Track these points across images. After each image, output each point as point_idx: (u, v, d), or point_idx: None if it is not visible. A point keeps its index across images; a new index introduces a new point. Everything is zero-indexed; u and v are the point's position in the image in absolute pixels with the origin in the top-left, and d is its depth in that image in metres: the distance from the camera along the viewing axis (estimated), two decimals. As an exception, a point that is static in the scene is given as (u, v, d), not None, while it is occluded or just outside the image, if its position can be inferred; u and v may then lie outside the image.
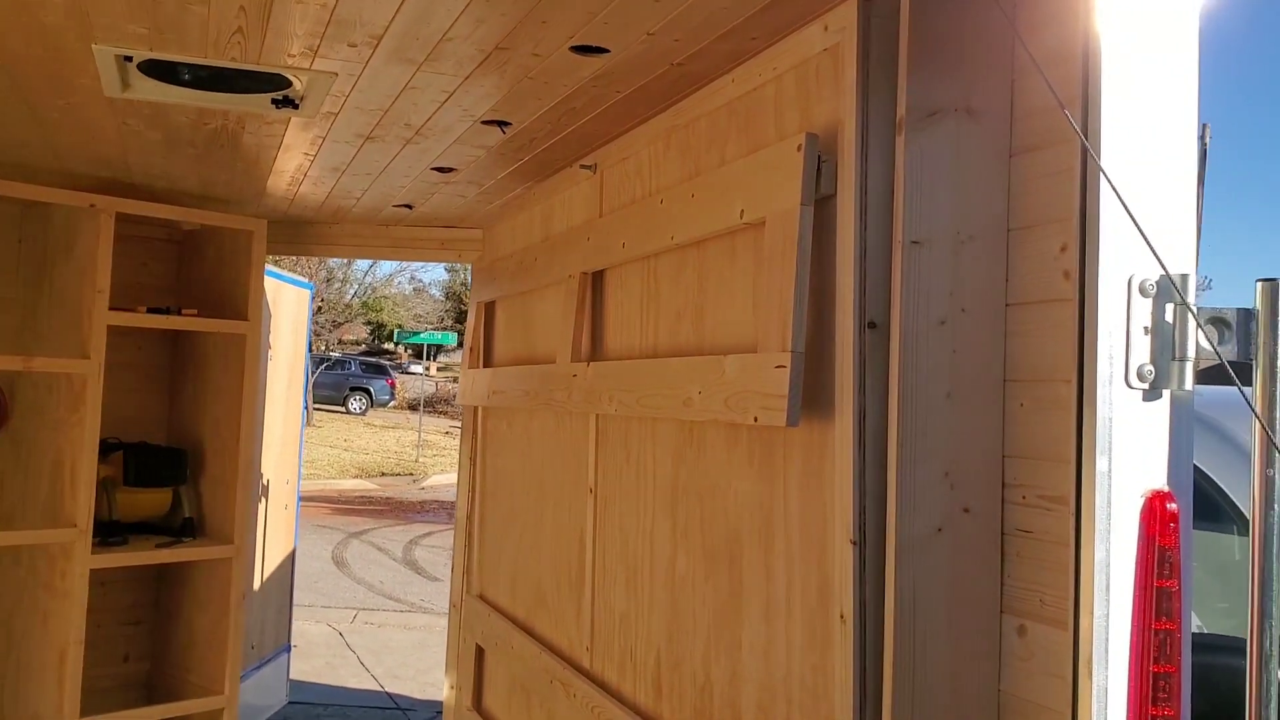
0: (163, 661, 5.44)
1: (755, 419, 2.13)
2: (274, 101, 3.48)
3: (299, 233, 5.50)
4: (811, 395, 2.12)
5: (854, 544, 2.01)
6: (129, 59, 3.03)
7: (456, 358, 49.30)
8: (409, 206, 5.15)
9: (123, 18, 2.64)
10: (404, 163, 4.27)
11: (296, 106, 3.52)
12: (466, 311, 5.23)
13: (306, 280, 6.84)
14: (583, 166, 3.47)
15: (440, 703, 6.32)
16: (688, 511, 2.69)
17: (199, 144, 4.05)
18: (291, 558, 6.51)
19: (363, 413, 34.58)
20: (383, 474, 24.07)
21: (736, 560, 2.47)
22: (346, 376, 35.33)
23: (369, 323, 50.69)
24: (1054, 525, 1.89)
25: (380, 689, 9.51)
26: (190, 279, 5.49)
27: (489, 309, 4.66)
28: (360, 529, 18.09)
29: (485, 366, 4.60)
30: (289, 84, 3.33)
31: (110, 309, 4.50)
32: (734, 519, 2.48)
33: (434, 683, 9.02)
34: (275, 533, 6.27)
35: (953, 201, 2.00)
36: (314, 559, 15.62)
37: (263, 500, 6.06)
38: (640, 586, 2.95)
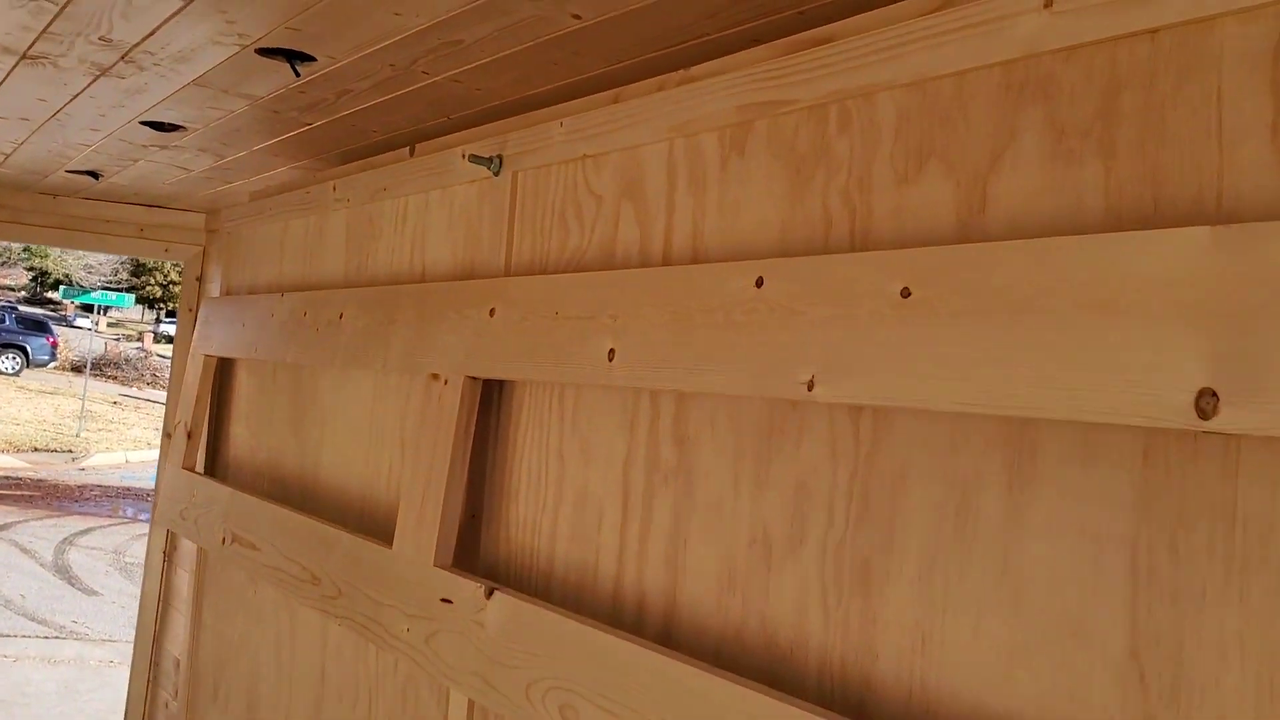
0: None
1: None
2: None
3: (-95, 195, 3.41)
4: None
5: None
6: None
7: (131, 314, 44.60)
8: (94, 175, 3.22)
9: None
10: (93, 107, 2.42)
11: None
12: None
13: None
14: (474, 159, 1.75)
15: None
16: None
17: None
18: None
19: (16, 374, 29.93)
20: (35, 449, 20.58)
21: None
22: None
23: (31, 269, 44.94)
24: None
25: (7, 778, 7.27)
26: None
27: (222, 370, 2.76)
28: (2, 522, 15.04)
29: (209, 474, 2.69)
30: None
31: None
32: None
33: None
34: None
35: None
36: (-62, 563, 12.69)
37: None
38: None
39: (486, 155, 1.76)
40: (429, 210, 1.98)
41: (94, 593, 12.12)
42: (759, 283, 1.16)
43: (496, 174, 1.75)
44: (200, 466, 2.72)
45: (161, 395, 28.20)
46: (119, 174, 3.14)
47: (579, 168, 1.61)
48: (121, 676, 9.23)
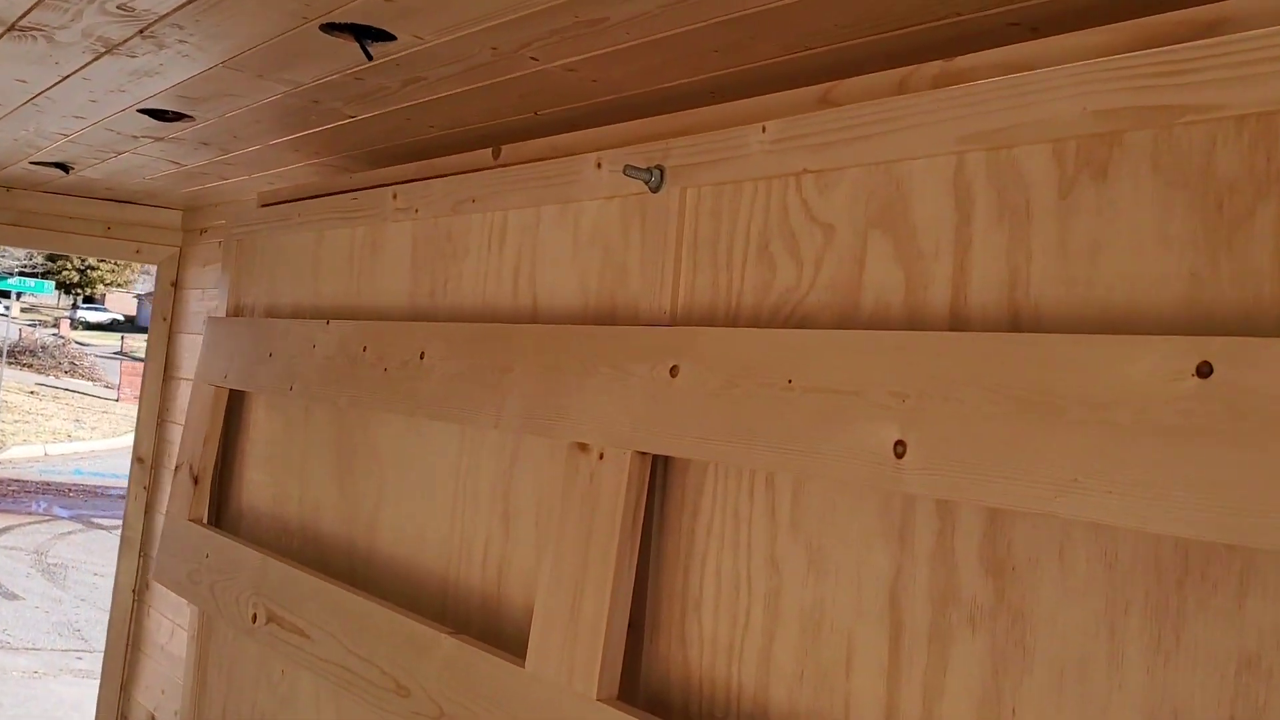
0: None
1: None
2: None
3: None
4: None
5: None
6: None
7: (45, 299, 42.91)
8: (64, 168, 2.76)
9: None
10: (85, 91, 1.99)
11: None
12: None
13: None
14: (630, 171, 1.37)
15: None
16: None
17: None
18: None
19: (-75, 362, 28.54)
20: (-52, 444, 19.58)
21: None
22: (-95, 317, 28.99)
23: (-62, 251, 42.99)
24: None
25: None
26: None
27: (234, 404, 2.32)
28: (-87, 522, 14.21)
29: (215, 524, 2.25)
30: None
31: None
32: None
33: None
34: None
35: None
36: None
37: None
38: None
39: (643, 167, 1.38)
40: (540, 230, 1.59)
41: (15, 597, 11.44)
42: (1203, 370, 0.81)
43: (656, 190, 1.37)
44: (207, 522, 2.28)
45: (81, 384, 27.01)
46: (96, 167, 2.69)
47: (792, 186, 1.23)
48: (48, 688, 8.64)
